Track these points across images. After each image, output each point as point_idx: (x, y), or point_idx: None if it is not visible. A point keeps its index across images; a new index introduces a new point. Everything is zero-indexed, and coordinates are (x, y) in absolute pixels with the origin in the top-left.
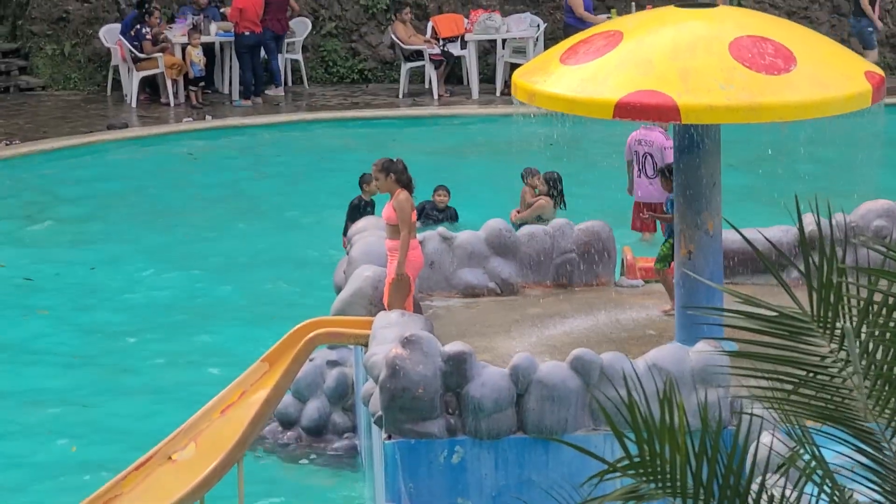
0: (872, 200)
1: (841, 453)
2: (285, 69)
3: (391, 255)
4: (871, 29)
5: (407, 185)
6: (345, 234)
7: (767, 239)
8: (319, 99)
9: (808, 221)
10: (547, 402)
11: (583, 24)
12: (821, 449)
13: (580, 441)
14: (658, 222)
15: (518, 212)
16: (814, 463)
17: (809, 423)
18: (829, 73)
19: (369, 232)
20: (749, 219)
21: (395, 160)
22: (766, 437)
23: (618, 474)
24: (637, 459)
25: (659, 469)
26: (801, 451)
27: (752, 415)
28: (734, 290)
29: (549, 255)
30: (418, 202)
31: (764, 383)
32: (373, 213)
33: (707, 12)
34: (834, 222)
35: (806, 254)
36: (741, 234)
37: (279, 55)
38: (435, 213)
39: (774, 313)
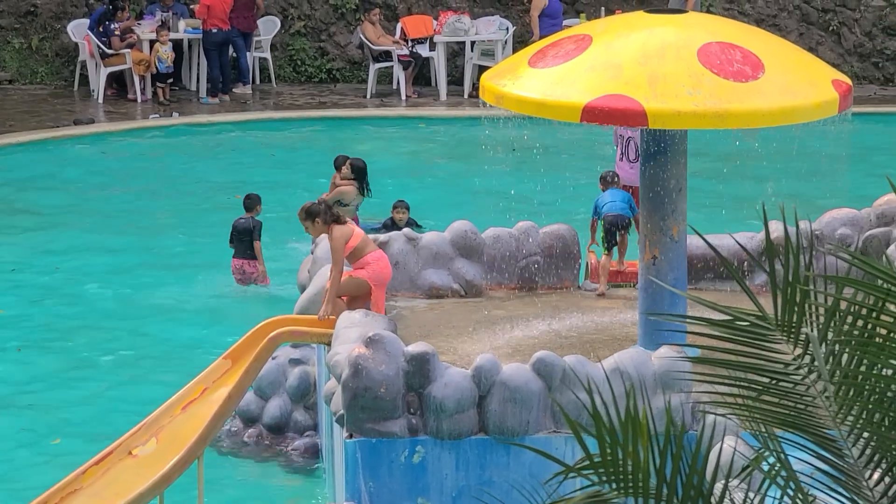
0: (836, 208)
1: (801, 459)
2: (253, 67)
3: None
4: None
5: (336, 219)
6: (238, 256)
7: (737, 242)
8: (287, 98)
9: (773, 228)
10: (509, 403)
11: (551, 29)
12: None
13: (541, 443)
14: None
15: (326, 196)
16: (778, 466)
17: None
18: (796, 81)
19: None
20: (713, 225)
21: (316, 203)
22: (729, 440)
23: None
24: (598, 460)
25: (620, 470)
26: (766, 453)
27: (717, 414)
28: (697, 296)
29: (514, 258)
30: (380, 218)
31: (726, 389)
32: (259, 234)
33: (676, 18)
34: (799, 230)
35: (772, 259)
36: (705, 239)
37: (247, 53)
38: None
39: (735, 318)
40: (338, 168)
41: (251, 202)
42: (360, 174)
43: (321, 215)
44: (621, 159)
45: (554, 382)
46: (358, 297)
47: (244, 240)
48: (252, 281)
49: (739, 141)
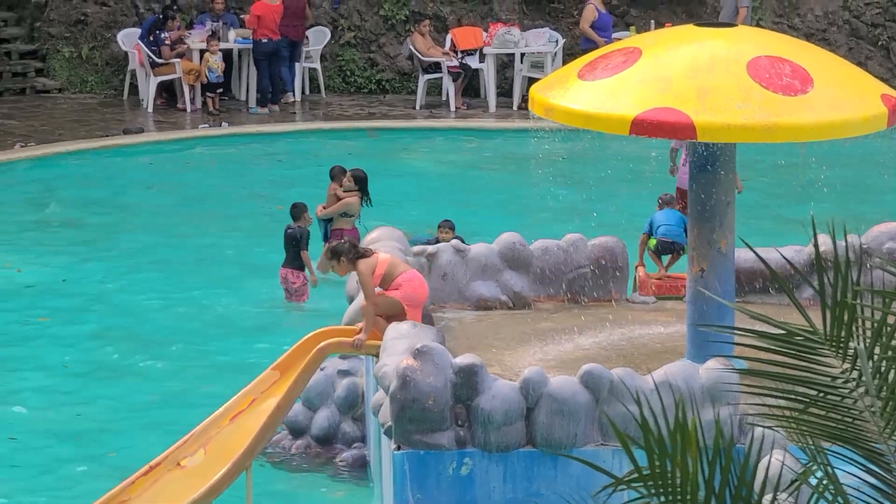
0: (884, 223)
1: (850, 473)
2: (303, 78)
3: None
4: None
5: (362, 255)
6: (285, 265)
7: (783, 256)
8: (336, 108)
9: (821, 242)
10: (556, 416)
11: (596, 44)
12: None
13: (589, 456)
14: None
15: (324, 207)
16: (826, 480)
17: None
18: (845, 96)
19: (382, 243)
20: (760, 239)
21: (340, 242)
22: (777, 454)
23: (626, 488)
24: (646, 472)
25: (669, 482)
26: (814, 467)
27: (765, 427)
28: (746, 307)
29: (562, 270)
30: (424, 237)
31: (775, 402)
32: (306, 244)
33: (725, 32)
34: (847, 244)
35: (820, 273)
36: (756, 252)
37: (297, 63)
38: None
39: (786, 332)
40: (334, 178)
41: (297, 211)
42: (362, 184)
43: (345, 254)
44: (684, 164)
45: (602, 395)
46: (392, 316)
47: (291, 249)
48: (293, 293)
49: (786, 155)
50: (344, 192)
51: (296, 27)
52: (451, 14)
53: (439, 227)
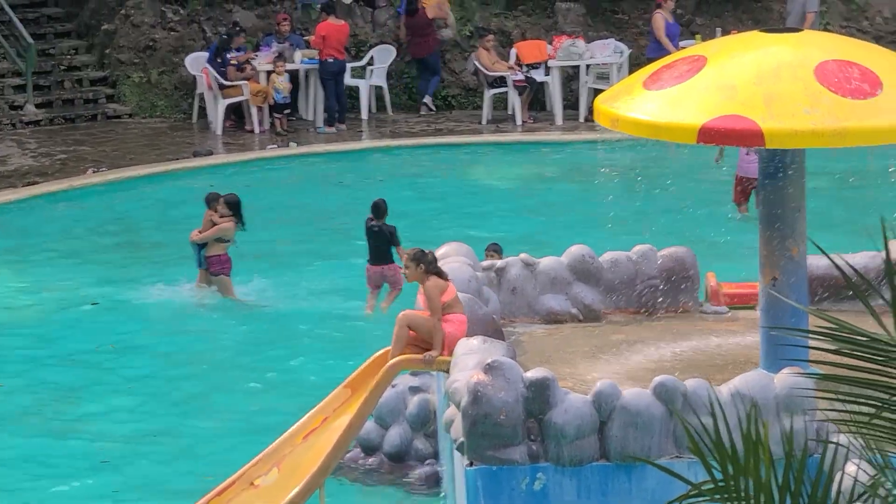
0: None
1: None
2: (369, 96)
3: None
4: None
5: (438, 273)
6: (376, 262)
7: (849, 265)
8: (403, 125)
9: (893, 248)
10: (630, 428)
11: (666, 50)
12: None
13: None
14: (752, 197)
15: (199, 232)
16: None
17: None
18: None
19: (452, 258)
20: (832, 245)
21: (426, 252)
22: (850, 467)
23: (702, 499)
24: (721, 483)
25: (743, 494)
26: (883, 479)
27: (837, 444)
28: (821, 312)
29: (633, 282)
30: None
31: (850, 409)
32: (399, 240)
33: (792, 37)
34: None
35: (891, 278)
36: (830, 258)
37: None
38: None
39: (864, 338)
40: (209, 204)
41: (380, 210)
42: (236, 209)
43: (427, 265)
44: (747, 153)
45: (675, 407)
46: (425, 342)
47: (382, 246)
48: (393, 284)
49: (857, 159)
50: (220, 217)
51: (418, 45)
52: (516, 28)
53: (486, 250)
